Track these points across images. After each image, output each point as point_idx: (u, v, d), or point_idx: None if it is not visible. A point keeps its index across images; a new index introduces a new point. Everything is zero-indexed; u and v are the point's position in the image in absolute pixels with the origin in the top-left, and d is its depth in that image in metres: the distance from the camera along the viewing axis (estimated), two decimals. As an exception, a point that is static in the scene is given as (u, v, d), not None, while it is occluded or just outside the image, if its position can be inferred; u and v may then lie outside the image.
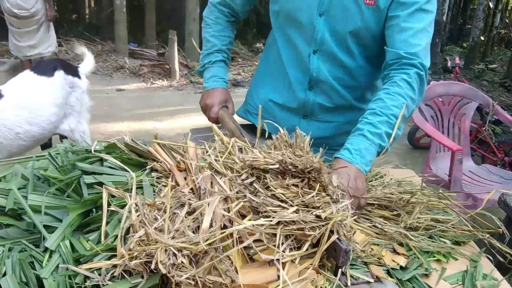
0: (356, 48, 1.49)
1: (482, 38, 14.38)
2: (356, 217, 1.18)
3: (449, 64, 6.60)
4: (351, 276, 0.97)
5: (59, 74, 2.98)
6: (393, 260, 1.05)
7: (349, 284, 0.95)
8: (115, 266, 0.83)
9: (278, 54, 1.63)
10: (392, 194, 1.28)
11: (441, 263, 1.13)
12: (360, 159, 1.25)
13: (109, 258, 0.87)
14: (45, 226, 0.95)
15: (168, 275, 0.79)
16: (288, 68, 1.60)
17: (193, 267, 0.82)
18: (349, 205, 1.02)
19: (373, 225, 1.21)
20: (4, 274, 0.85)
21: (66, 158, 1.12)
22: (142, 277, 0.82)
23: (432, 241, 1.18)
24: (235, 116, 1.75)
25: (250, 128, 1.76)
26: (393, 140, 1.33)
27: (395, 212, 1.26)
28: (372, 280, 0.97)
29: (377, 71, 1.54)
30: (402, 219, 1.23)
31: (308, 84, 1.58)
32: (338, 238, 0.93)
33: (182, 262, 0.81)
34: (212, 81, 1.73)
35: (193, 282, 0.81)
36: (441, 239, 1.21)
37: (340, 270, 0.94)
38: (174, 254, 0.81)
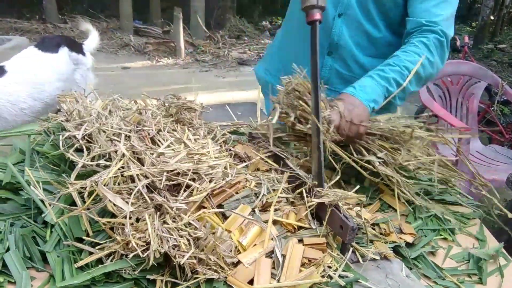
0: (377, 15, 1.46)
1: (492, 17, 14.14)
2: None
3: (458, 43, 6.49)
4: (355, 252, 0.96)
5: (63, 50, 2.96)
6: (400, 238, 1.04)
7: (361, 261, 0.95)
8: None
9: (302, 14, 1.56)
10: (395, 127, 1.23)
11: (447, 241, 1.12)
12: (363, 94, 1.22)
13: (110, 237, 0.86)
14: (42, 201, 0.94)
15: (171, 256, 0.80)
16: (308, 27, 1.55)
17: (190, 246, 0.82)
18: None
19: (367, 161, 1.17)
20: (7, 249, 0.85)
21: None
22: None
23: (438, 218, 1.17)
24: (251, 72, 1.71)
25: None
26: (404, 93, 1.31)
27: (395, 146, 1.23)
28: (378, 258, 0.96)
29: (399, 41, 1.50)
30: (400, 155, 1.19)
31: (328, 48, 1.54)
32: (344, 216, 0.92)
33: (181, 242, 0.81)
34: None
35: (195, 261, 0.81)
36: (446, 217, 1.19)
37: (347, 247, 0.94)
38: (168, 240, 0.81)
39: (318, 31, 1.08)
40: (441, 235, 1.13)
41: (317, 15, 1.07)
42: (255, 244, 0.90)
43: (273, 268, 0.87)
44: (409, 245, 1.04)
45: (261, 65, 1.86)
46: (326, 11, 1.48)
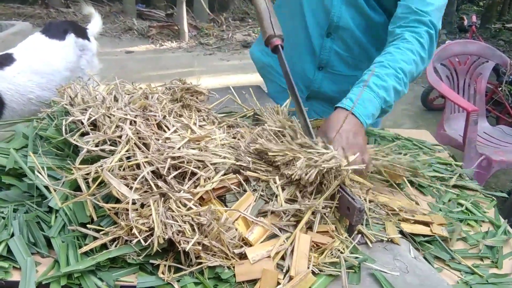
0: (375, 3, 1.43)
1: (500, -4, 13.91)
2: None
3: (465, 22, 6.40)
4: (363, 234, 0.95)
5: (70, 37, 2.92)
6: (434, 232, 1.02)
7: (370, 245, 0.94)
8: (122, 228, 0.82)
9: None
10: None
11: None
12: (362, 109, 1.17)
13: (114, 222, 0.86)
14: (46, 187, 0.93)
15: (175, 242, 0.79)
16: (307, 9, 1.52)
17: (194, 232, 0.81)
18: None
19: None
20: (12, 235, 0.84)
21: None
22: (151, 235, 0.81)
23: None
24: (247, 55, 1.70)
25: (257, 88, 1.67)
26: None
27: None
28: (385, 239, 0.95)
29: None
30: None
31: (327, 30, 1.51)
32: (351, 197, 0.91)
33: (186, 229, 0.80)
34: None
35: (200, 248, 0.80)
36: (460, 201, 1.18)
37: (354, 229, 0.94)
38: (172, 226, 0.80)
39: (283, 56, 1.18)
40: (468, 224, 1.11)
41: (278, 41, 1.19)
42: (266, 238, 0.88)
43: (282, 258, 0.85)
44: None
45: (256, 46, 1.82)
46: None
